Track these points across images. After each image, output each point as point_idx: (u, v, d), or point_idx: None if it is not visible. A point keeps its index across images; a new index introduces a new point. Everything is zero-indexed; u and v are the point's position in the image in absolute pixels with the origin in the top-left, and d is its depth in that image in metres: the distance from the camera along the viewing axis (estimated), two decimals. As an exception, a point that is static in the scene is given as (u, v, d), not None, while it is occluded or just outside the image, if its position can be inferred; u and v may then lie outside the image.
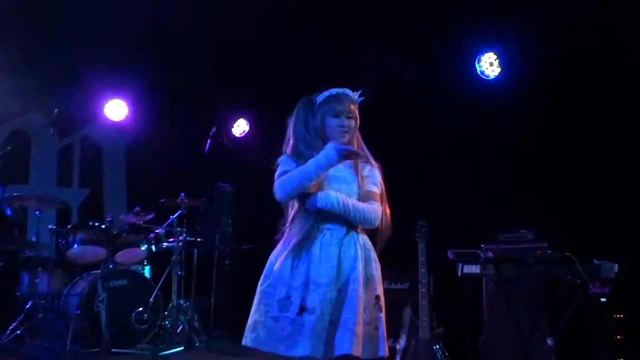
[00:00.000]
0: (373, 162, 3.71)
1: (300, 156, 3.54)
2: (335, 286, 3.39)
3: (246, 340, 3.45)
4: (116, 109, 8.47)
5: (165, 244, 7.19)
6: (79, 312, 6.31)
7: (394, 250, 6.18)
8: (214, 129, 7.09)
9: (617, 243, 5.34)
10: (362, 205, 3.52)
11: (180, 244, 6.97)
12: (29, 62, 7.82)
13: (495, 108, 6.34)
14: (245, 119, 8.80)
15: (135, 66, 7.97)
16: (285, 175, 3.46)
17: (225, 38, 7.39)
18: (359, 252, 3.49)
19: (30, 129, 8.01)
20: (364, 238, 3.58)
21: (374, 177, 3.64)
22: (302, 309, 3.33)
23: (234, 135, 8.75)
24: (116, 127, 8.71)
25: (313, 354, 3.31)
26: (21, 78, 7.85)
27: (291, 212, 3.58)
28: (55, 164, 8.65)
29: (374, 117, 7.48)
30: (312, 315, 3.31)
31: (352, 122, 3.60)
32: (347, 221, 3.51)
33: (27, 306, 6.55)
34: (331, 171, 3.49)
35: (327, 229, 3.48)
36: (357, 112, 3.63)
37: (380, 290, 3.54)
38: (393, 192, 7.21)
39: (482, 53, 6.59)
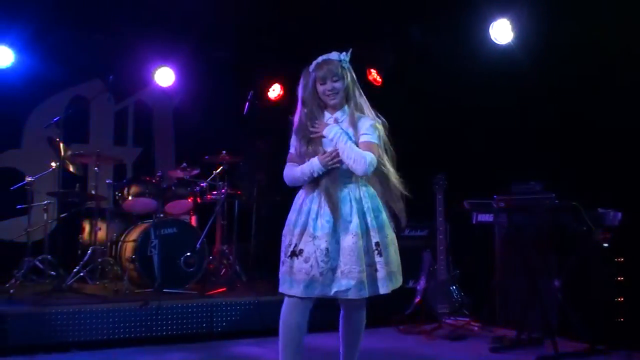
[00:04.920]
0: (372, 115, 3.60)
1: (301, 130, 3.55)
2: (333, 238, 3.41)
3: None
4: (165, 76, 8.40)
5: (209, 196, 7.15)
6: (134, 256, 6.33)
7: (414, 200, 6.13)
8: (251, 93, 6.98)
9: (622, 193, 5.19)
10: (356, 148, 3.45)
11: (222, 196, 6.94)
12: (87, 35, 7.79)
13: (507, 71, 6.15)
14: (280, 83, 8.75)
15: (181, 36, 7.89)
16: (289, 170, 3.59)
17: (261, 11, 7.24)
18: (355, 206, 3.47)
19: (89, 95, 7.97)
20: (363, 192, 3.53)
21: (370, 130, 3.52)
22: (294, 254, 3.42)
23: (269, 98, 8.72)
24: (165, 92, 8.65)
25: (304, 295, 3.39)
26: (80, 49, 7.84)
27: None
28: (112, 125, 8.61)
29: (396, 81, 7.42)
30: (307, 263, 3.38)
31: (339, 84, 3.50)
32: (344, 180, 3.50)
33: (89, 252, 6.60)
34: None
35: (326, 188, 3.48)
36: (345, 72, 3.52)
37: (379, 238, 3.49)
38: (414, 148, 7.14)
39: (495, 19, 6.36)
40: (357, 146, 3.46)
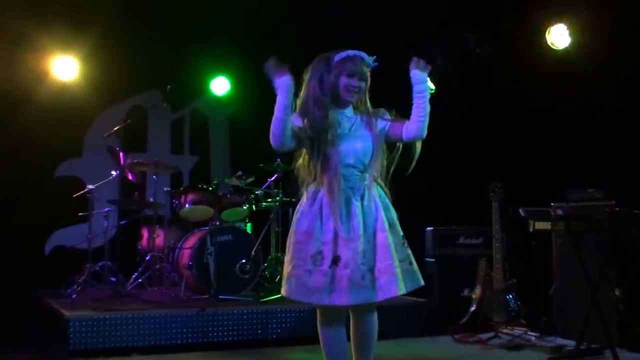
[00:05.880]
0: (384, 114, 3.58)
1: (306, 113, 3.43)
2: (365, 238, 3.33)
3: (283, 291, 3.44)
4: (220, 85, 8.58)
5: (264, 203, 7.21)
6: (190, 263, 6.40)
7: (470, 208, 6.10)
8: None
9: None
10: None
11: (277, 203, 6.99)
12: (146, 46, 7.95)
13: (564, 76, 6.08)
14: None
15: (236, 45, 8.02)
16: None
17: (314, 17, 7.32)
18: (378, 203, 3.42)
19: (147, 105, 8.13)
20: (378, 190, 3.49)
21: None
22: (335, 262, 3.29)
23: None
24: (220, 100, 8.79)
25: (350, 303, 3.29)
26: (139, 60, 8.00)
27: (313, 172, 3.47)
28: (169, 134, 8.77)
29: (450, 88, 7.39)
30: (347, 269, 3.27)
31: (363, 84, 3.48)
32: (364, 179, 3.44)
33: (147, 258, 6.71)
34: (347, 130, 3.45)
35: (350, 188, 3.40)
36: (368, 75, 3.49)
37: (402, 232, 3.47)
38: (470, 155, 7.10)
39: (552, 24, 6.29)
40: (374, 145, 3.46)
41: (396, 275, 3.30)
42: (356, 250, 3.30)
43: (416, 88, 3.46)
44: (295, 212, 3.52)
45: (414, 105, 3.46)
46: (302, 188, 3.52)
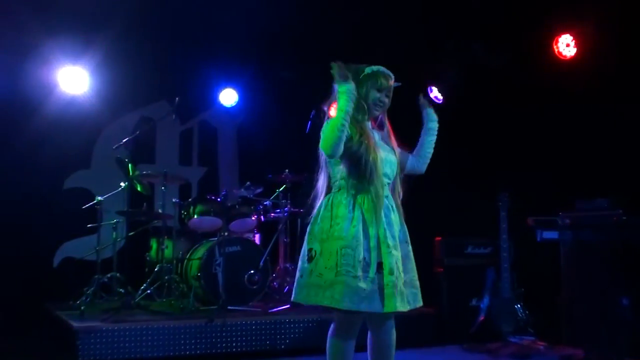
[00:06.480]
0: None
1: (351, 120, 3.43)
2: (399, 246, 3.39)
3: (298, 297, 3.38)
4: (229, 96, 8.64)
5: (272, 214, 7.25)
6: (199, 274, 6.44)
7: (479, 217, 6.12)
8: (313, 112, 7.08)
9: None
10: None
11: (285, 214, 7.03)
12: (155, 57, 7.98)
13: (571, 86, 6.12)
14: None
15: (245, 57, 8.07)
16: (324, 131, 3.33)
17: (322, 29, 7.37)
18: (398, 215, 3.49)
19: (156, 116, 8.11)
20: (396, 201, 3.54)
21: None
22: (380, 269, 3.27)
23: (331, 116, 8.75)
24: (228, 112, 8.84)
25: (399, 309, 3.29)
26: (148, 71, 8.04)
27: (338, 178, 3.47)
28: (178, 145, 8.81)
29: (458, 98, 7.43)
30: (392, 275, 3.27)
31: (387, 100, 3.56)
32: (393, 189, 3.52)
33: (156, 269, 6.69)
34: (378, 138, 3.54)
35: (386, 196, 3.44)
36: (391, 93, 3.58)
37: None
38: (478, 165, 7.11)
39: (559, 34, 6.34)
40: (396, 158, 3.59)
41: (418, 288, 3.43)
42: (397, 258, 3.34)
43: (430, 125, 3.73)
44: (317, 219, 3.46)
45: (426, 143, 3.71)
46: (324, 195, 3.53)
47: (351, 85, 3.33)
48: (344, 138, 3.29)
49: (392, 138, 3.61)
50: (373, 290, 3.25)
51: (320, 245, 3.35)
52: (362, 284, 3.24)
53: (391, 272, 3.27)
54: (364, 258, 3.27)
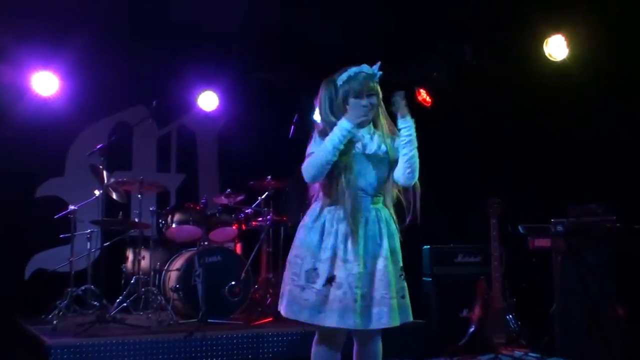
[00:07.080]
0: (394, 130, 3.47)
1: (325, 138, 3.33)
2: (362, 261, 3.25)
3: (279, 308, 3.39)
4: (208, 100, 8.51)
5: (254, 223, 7.17)
6: (177, 285, 6.37)
7: (469, 225, 6.05)
8: (296, 116, 6.99)
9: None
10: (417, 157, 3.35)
11: (268, 222, 6.95)
12: (131, 60, 7.88)
13: (563, 88, 6.07)
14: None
15: (225, 61, 7.97)
16: (309, 158, 3.31)
17: (305, 31, 7.27)
18: (383, 228, 3.34)
19: (132, 121, 8.05)
20: (386, 214, 3.41)
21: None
22: (329, 282, 3.22)
23: (314, 120, 8.70)
24: (208, 116, 8.73)
25: (339, 325, 3.20)
26: (124, 75, 7.95)
27: (318, 187, 3.42)
28: (155, 151, 8.71)
29: (447, 101, 7.36)
30: (339, 290, 3.20)
31: (374, 99, 3.35)
32: (372, 201, 3.36)
33: (132, 281, 6.62)
34: (362, 151, 3.35)
35: (374, 209, 3.35)
36: (377, 86, 3.36)
37: (401, 262, 3.40)
38: (467, 171, 7.05)
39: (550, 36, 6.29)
40: (389, 163, 3.40)
41: (391, 307, 3.25)
42: (351, 272, 3.23)
43: (402, 137, 3.35)
44: (298, 227, 3.46)
45: (401, 157, 3.36)
46: (309, 204, 3.46)
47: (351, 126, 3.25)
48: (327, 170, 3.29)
49: (387, 143, 3.40)
50: (318, 301, 3.21)
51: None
52: (305, 294, 3.24)
53: (339, 287, 3.21)
54: (315, 269, 3.25)
